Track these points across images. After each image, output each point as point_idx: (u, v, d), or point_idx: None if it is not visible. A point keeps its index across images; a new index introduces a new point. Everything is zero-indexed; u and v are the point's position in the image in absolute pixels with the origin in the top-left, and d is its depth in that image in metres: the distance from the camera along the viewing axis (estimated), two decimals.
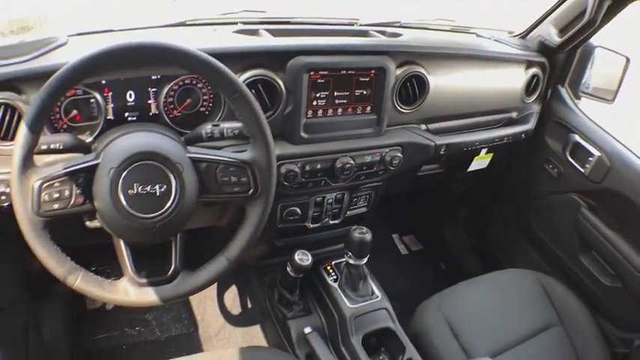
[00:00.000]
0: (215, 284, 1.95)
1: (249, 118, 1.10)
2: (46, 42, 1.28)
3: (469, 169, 1.93)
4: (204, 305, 1.97)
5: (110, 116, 1.26)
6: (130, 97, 1.27)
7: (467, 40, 1.86)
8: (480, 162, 1.92)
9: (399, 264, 2.43)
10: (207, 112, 1.37)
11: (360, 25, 1.71)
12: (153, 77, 1.27)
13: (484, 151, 1.86)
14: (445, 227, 2.57)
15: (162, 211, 1.03)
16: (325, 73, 1.41)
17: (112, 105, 1.25)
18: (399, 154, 1.58)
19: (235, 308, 1.94)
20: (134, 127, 1.22)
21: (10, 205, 1.12)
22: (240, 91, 1.07)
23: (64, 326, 1.84)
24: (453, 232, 2.56)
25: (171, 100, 1.31)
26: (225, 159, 1.12)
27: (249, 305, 1.92)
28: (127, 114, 1.28)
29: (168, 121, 1.32)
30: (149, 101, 1.29)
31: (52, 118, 1.19)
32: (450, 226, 2.57)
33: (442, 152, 1.67)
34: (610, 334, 1.86)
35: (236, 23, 1.58)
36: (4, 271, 1.38)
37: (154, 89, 1.29)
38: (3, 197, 1.13)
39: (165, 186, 1.03)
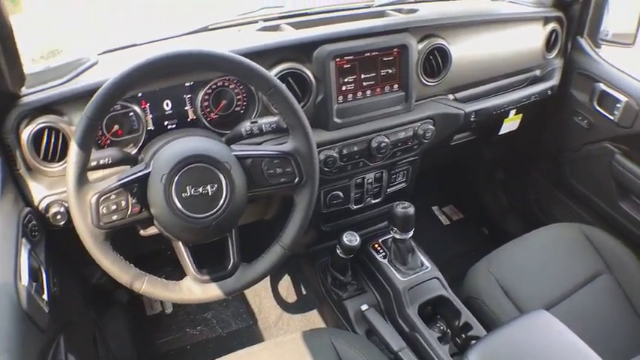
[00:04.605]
0: (268, 276, 2.00)
1: (286, 111, 1.14)
2: (78, 63, 1.33)
3: (500, 133, 1.95)
4: (260, 297, 2.02)
5: (150, 127, 1.31)
6: (167, 105, 1.32)
7: (482, 6, 1.88)
8: (510, 124, 1.94)
9: (443, 235, 2.46)
10: (242, 111, 1.42)
11: (376, 6, 1.73)
12: (186, 84, 1.32)
13: (513, 112, 1.87)
14: (483, 193, 2.59)
15: (216, 209, 1.07)
16: (350, 57, 1.45)
17: (150, 116, 1.31)
18: (431, 127, 1.61)
19: (291, 296, 1.99)
20: (176, 133, 1.28)
21: (67, 224, 1.19)
22: (274, 86, 1.11)
23: (127, 334, 1.91)
24: (491, 196, 2.58)
25: (206, 103, 1.36)
26: (269, 152, 1.16)
27: (304, 292, 1.97)
28: (166, 122, 1.33)
29: (206, 124, 1.37)
30: (185, 107, 1.34)
31: (95, 135, 1.23)
32: (487, 191, 2.59)
33: (472, 119, 1.70)
34: None
35: (257, 22, 1.61)
36: (69, 287, 1.44)
37: (188, 96, 1.34)
38: (58, 217, 1.19)
39: (216, 185, 1.07)
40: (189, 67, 1.11)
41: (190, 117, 1.36)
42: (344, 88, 1.48)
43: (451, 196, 2.68)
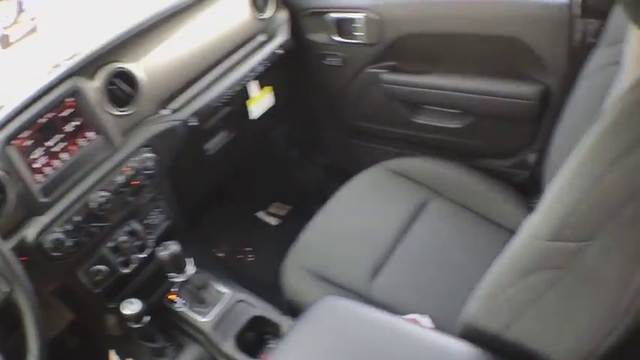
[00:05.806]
0: None
1: None
2: None
3: (255, 117, 1.78)
4: None
5: None
6: None
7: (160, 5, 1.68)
8: (261, 102, 1.77)
9: (278, 236, 2.15)
10: None
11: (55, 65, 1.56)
12: None
13: (256, 90, 1.71)
14: (294, 175, 2.40)
15: None
16: (28, 133, 1.28)
17: None
18: (150, 154, 1.45)
19: None
20: None
21: None
22: None
23: None
24: (302, 174, 2.39)
25: None
26: None
27: None
28: None
29: None
30: None
31: None
32: (297, 172, 2.40)
33: (194, 124, 1.54)
34: (497, 167, 1.73)
35: None
36: None
37: None
38: None
39: None
40: None
41: None
42: (36, 165, 1.30)
43: (271, 194, 2.45)
